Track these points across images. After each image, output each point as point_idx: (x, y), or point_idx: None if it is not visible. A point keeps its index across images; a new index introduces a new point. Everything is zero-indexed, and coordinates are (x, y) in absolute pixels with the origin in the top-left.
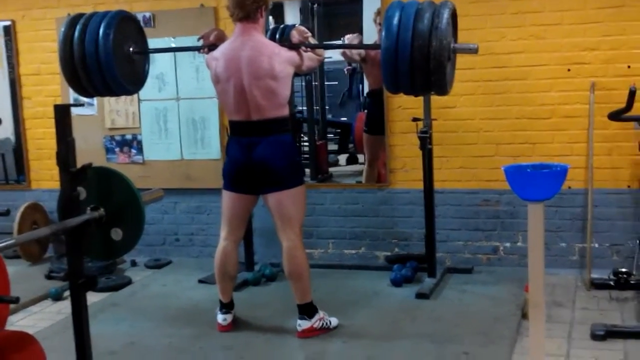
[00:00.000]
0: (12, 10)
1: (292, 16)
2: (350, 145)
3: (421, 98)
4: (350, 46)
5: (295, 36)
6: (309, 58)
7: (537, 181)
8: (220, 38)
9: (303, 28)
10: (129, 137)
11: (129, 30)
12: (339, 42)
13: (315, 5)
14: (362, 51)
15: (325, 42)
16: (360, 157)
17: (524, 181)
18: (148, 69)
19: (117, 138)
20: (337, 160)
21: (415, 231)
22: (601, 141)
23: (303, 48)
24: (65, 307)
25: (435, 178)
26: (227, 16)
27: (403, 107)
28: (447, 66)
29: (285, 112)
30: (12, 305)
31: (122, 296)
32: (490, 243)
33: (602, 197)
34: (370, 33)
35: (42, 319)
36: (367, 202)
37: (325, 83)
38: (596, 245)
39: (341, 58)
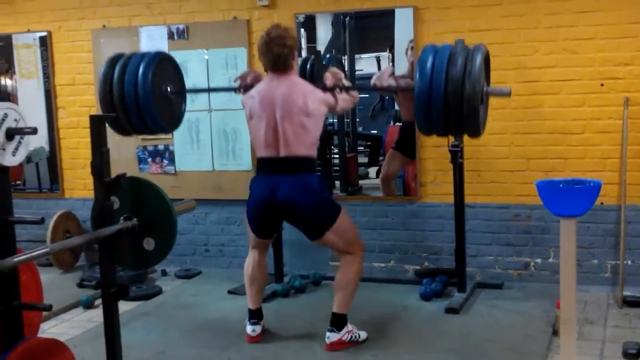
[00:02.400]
0: (49, 21)
1: (323, 29)
2: (381, 158)
3: None
4: (383, 89)
5: (329, 78)
6: (343, 100)
7: (569, 197)
8: (257, 79)
9: (336, 70)
10: (161, 147)
11: (167, 71)
12: (371, 55)
13: (347, 19)
14: (392, 82)
15: (358, 85)
16: None
17: (557, 197)
18: (185, 109)
19: (150, 148)
20: (367, 173)
21: (445, 245)
22: (635, 157)
23: (337, 90)
24: (96, 315)
25: (466, 192)
26: (259, 29)
27: None
28: (480, 110)
29: (313, 152)
30: (44, 313)
31: (152, 305)
32: (521, 258)
33: (636, 213)
34: (401, 48)
35: (74, 326)
36: (397, 215)
37: None
38: (629, 262)
39: (372, 70)
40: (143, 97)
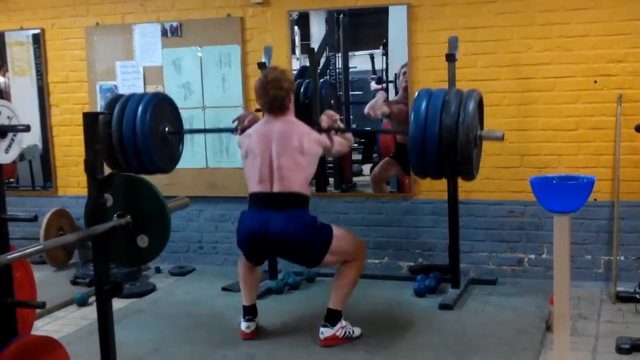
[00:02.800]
0: (42, 19)
1: (317, 27)
2: (375, 155)
3: None
4: (379, 131)
5: (324, 120)
6: (338, 142)
7: (563, 193)
8: (254, 122)
9: (332, 112)
10: None
11: (164, 111)
12: (364, 52)
13: (341, 16)
14: (386, 109)
15: (353, 128)
16: None
17: (550, 193)
18: (182, 149)
19: None
20: (361, 170)
21: (439, 241)
22: (628, 153)
23: (332, 132)
24: (90, 312)
25: (460, 189)
26: (253, 26)
27: None
28: (473, 155)
29: (306, 191)
30: (37, 310)
31: (146, 303)
32: (515, 254)
33: (629, 209)
34: (395, 45)
35: (67, 324)
36: (391, 212)
37: (350, 93)
38: (622, 258)
39: (366, 68)
40: (142, 140)
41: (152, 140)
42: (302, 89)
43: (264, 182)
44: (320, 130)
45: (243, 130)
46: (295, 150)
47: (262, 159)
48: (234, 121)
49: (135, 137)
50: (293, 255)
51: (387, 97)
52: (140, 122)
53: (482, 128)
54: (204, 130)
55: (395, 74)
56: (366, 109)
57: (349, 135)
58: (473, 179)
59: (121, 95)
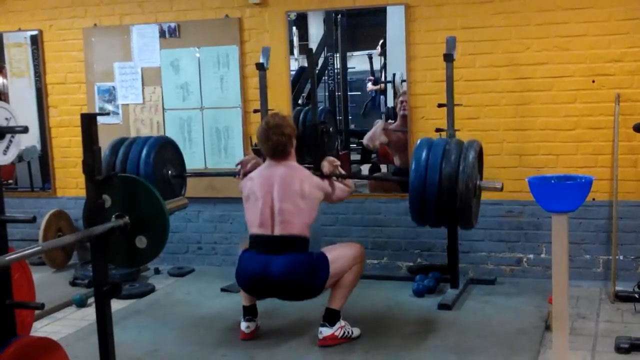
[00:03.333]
0: (40, 20)
1: (315, 27)
2: (373, 156)
3: (444, 109)
4: (377, 178)
5: (325, 166)
6: (340, 189)
7: (561, 193)
8: (257, 166)
9: (333, 158)
10: None
11: (168, 155)
12: (363, 53)
13: (339, 16)
14: (384, 138)
15: (354, 173)
16: (383, 167)
17: (549, 193)
18: (185, 192)
19: None
20: (360, 170)
21: (438, 242)
22: (626, 153)
23: (334, 178)
24: (89, 313)
25: None
26: (251, 27)
27: (426, 117)
28: (473, 204)
29: (306, 234)
30: (36, 312)
31: (145, 304)
32: (513, 254)
33: (627, 209)
34: (393, 45)
35: (66, 325)
36: (390, 212)
37: (348, 93)
38: (621, 257)
39: (364, 68)
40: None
41: (155, 183)
42: (300, 117)
43: (265, 225)
44: (321, 176)
45: (245, 174)
46: (297, 195)
47: (263, 202)
48: (237, 165)
49: None
50: (295, 296)
51: (385, 126)
52: (143, 165)
53: (481, 178)
54: (207, 174)
55: (393, 81)
56: (365, 140)
57: (350, 182)
58: (471, 228)
59: (125, 139)
